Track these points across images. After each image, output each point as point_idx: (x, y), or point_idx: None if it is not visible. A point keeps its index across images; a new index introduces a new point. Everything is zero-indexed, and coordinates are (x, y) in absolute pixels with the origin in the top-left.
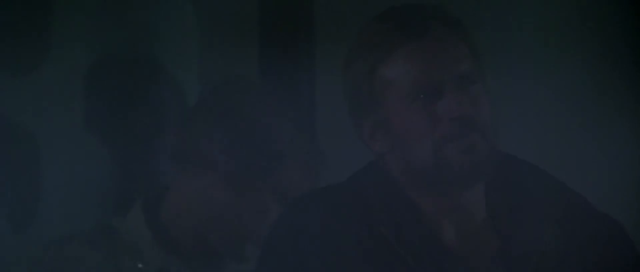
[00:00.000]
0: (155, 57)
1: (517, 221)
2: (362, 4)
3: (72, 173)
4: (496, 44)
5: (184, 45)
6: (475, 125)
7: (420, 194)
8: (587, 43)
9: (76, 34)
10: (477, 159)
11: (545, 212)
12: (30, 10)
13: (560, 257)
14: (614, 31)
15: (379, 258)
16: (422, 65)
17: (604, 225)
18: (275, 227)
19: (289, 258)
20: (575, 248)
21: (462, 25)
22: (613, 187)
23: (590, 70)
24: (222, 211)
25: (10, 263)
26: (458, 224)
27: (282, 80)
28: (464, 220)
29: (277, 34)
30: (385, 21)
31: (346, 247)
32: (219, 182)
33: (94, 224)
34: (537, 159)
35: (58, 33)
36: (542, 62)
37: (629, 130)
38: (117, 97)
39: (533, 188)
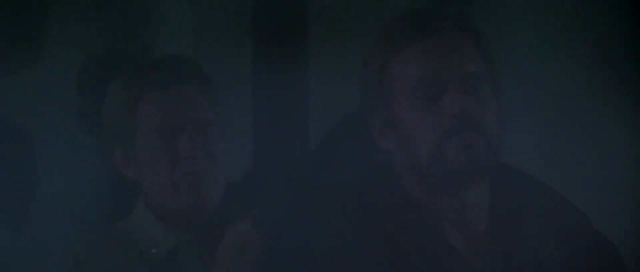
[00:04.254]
0: (150, 56)
1: (517, 230)
2: (356, 3)
3: (69, 172)
4: (494, 45)
5: (179, 46)
6: (475, 124)
7: (425, 193)
8: (585, 44)
9: (71, 32)
10: (474, 158)
11: (545, 224)
12: (26, 10)
13: (556, 268)
14: (613, 32)
15: (386, 257)
16: (429, 62)
17: (598, 245)
18: (280, 225)
19: (294, 257)
20: (570, 261)
21: (476, 30)
22: (612, 188)
23: (588, 71)
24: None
25: (7, 262)
26: (462, 226)
27: (276, 80)
28: (468, 224)
29: (271, 34)
30: (400, 22)
31: (353, 245)
32: None
33: (100, 230)
34: (535, 159)
35: (53, 32)
36: (540, 63)
37: (627, 131)
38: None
39: (535, 201)
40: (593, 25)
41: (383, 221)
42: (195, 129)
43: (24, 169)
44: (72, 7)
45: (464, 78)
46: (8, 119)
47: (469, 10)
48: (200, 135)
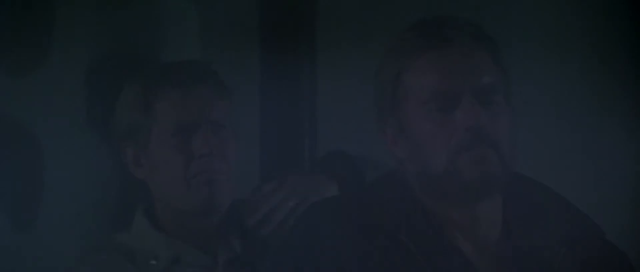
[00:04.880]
0: (156, 59)
1: (530, 241)
2: (363, 7)
3: (73, 173)
4: None
5: (185, 48)
6: (488, 138)
7: (436, 203)
8: (585, 45)
9: (76, 34)
10: (488, 172)
11: (557, 235)
12: (30, 11)
13: None
14: (613, 32)
15: (397, 264)
16: (443, 73)
17: (609, 252)
18: (292, 231)
19: (306, 263)
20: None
21: (490, 40)
22: (612, 188)
23: (588, 72)
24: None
25: (10, 263)
26: (474, 236)
27: (284, 83)
28: (480, 234)
29: (279, 37)
30: (415, 30)
31: (364, 253)
32: None
33: (99, 242)
34: (535, 160)
35: (58, 33)
36: (539, 64)
37: (627, 131)
38: (117, 98)
39: (548, 211)
40: (593, 26)
41: (393, 227)
42: (210, 128)
43: (30, 170)
44: (78, 8)
45: (478, 90)
46: (15, 121)
47: (467, 12)
48: (214, 135)
